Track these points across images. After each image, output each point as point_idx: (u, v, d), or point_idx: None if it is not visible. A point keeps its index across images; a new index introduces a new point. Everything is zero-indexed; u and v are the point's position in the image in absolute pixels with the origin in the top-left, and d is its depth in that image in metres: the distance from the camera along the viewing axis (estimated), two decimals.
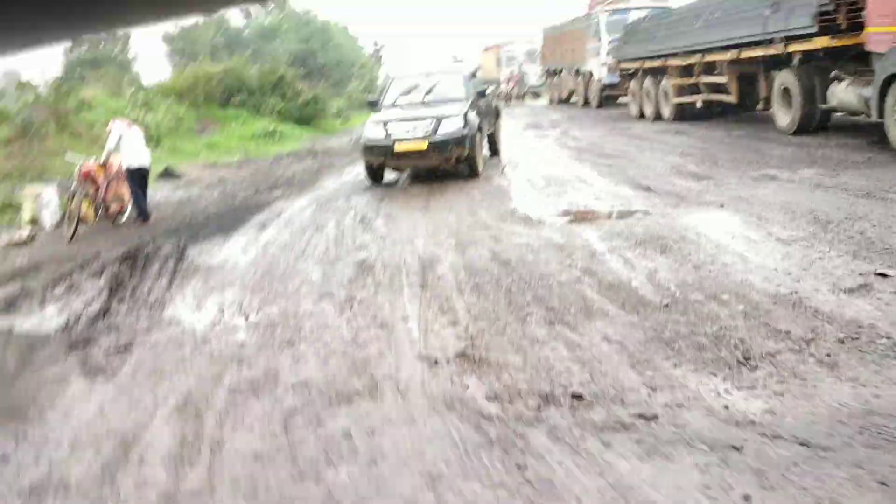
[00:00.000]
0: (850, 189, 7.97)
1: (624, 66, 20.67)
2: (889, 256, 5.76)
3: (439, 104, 11.62)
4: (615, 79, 22.15)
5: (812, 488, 2.96)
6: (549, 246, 7.12)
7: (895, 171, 8.80)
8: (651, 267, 6.17)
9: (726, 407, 3.78)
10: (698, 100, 16.61)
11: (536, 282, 6.06)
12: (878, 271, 5.46)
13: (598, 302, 5.48)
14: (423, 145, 10.87)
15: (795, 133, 12.30)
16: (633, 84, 20.05)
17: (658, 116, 18.21)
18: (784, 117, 12.65)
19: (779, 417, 3.63)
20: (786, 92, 12.47)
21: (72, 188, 10.29)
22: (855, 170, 9.11)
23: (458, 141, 10.98)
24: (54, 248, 9.29)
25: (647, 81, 18.75)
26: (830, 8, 10.91)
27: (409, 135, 10.97)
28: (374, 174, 11.88)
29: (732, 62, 14.30)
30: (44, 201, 10.66)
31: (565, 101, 28.95)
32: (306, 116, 28.56)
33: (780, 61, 12.52)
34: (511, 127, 21.58)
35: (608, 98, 23.76)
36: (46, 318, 6.28)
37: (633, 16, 21.94)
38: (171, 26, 70.75)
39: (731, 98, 14.94)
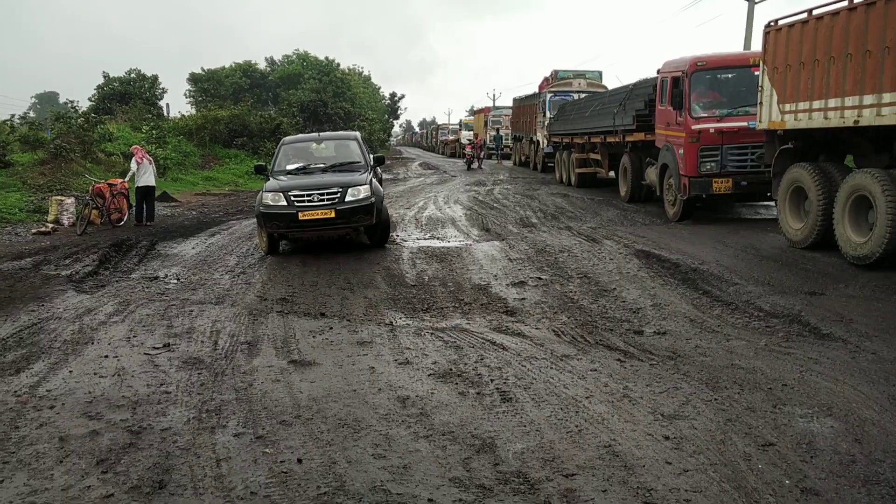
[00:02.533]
0: (592, 236, 12.02)
1: (554, 139, 24.96)
2: (553, 270, 9.76)
3: (340, 171, 11.77)
4: (551, 149, 26.42)
5: (342, 347, 6.93)
6: (377, 252, 11.21)
7: (642, 229, 12.82)
8: (425, 268, 10.21)
9: (391, 322, 7.71)
10: (594, 171, 20.76)
11: (350, 271, 10.12)
12: (539, 276, 9.47)
13: (378, 282, 9.50)
14: (331, 213, 10.75)
15: (629, 201, 16.40)
16: (557, 154, 24.32)
17: (570, 182, 22.36)
18: (623, 189, 16.79)
19: (409, 325, 7.56)
20: (625, 170, 16.63)
21: (86, 199, 14.55)
22: (619, 226, 13.18)
23: (366, 209, 10.92)
24: (68, 238, 13.43)
25: (564, 153, 22.99)
26: (645, 112, 15.08)
27: (315, 203, 10.80)
28: (273, 244, 11.46)
29: (602, 144, 18.53)
30: (64, 207, 14.86)
31: (524, 164, 33.29)
32: None
33: (625, 147, 16.70)
34: (462, 181, 25.85)
35: (549, 165, 27.92)
36: (58, 270, 10.37)
37: (573, 97, 26.25)
38: (197, 67, 74.20)
39: (603, 172, 19.11)
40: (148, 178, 14.83)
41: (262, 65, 77.76)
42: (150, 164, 15.21)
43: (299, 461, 4.00)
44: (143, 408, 4.87)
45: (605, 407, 4.68)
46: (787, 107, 9.93)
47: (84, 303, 8.26)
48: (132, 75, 45.68)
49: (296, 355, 6.03)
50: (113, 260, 11.37)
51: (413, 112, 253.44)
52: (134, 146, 16.45)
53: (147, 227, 14.64)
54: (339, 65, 71.68)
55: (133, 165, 14.90)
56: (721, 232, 11.94)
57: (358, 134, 13.81)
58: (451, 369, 5.55)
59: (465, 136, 53.88)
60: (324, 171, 11.95)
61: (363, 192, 10.89)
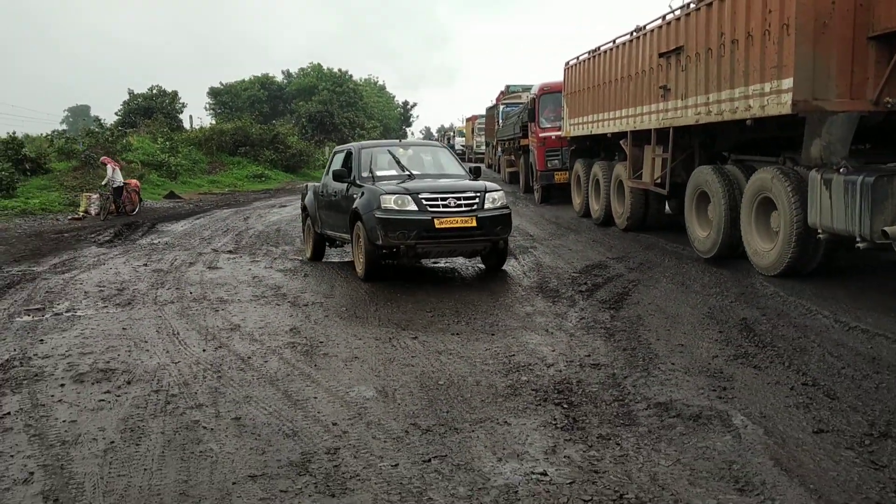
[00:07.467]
0: None
1: (500, 144, 29.74)
2: None
3: (447, 178, 10.11)
4: (500, 153, 31.18)
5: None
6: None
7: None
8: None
9: (273, 255, 12.56)
10: (515, 169, 25.50)
11: (280, 237, 14.97)
12: None
13: (292, 238, 14.37)
14: (471, 221, 8.99)
15: (524, 192, 21.16)
16: (501, 157, 29.12)
17: (505, 179, 27.13)
18: (521, 181, 21.58)
19: (283, 257, 12.39)
20: (521, 168, 21.40)
21: (108, 195, 19.65)
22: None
23: (506, 219, 9.45)
24: (93, 222, 18.47)
25: (502, 156, 27.79)
26: (527, 123, 19.82)
27: (452, 209, 8.98)
28: (375, 264, 9.32)
29: (516, 148, 23.31)
30: (91, 201, 19.94)
31: (491, 167, 38.08)
32: (294, 165, 38.15)
33: (519, 150, 21.47)
34: None
35: None
36: (88, 239, 15.36)
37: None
38: (220, 78, 78.42)
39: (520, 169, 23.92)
40: (120, 178, 19.88)
41: (279, 77, 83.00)
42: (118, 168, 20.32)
43: (190, 293, 8.87)
44: (126, 283, 9.75)
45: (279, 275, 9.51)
46: (572, 121, 14.66)
47: (101, 251, 13.21)
48: (154, 91, 51.10)
49: (213, 265, 10.93)
50: (124, 233, 16.35)
51: (436, 118, 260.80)
52: (104, 157, 21.45)
53: (129, 215, 19.68)
54: (351, 76, 76.67)
55: (109, 171, 19.84)
56: (553, 210, 16.69)
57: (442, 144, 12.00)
58: (292, 273, 10.41)
59: (459, 142, 58.73)
60: (430, 177, 10.13)
61: (499, 199, 9.45)
